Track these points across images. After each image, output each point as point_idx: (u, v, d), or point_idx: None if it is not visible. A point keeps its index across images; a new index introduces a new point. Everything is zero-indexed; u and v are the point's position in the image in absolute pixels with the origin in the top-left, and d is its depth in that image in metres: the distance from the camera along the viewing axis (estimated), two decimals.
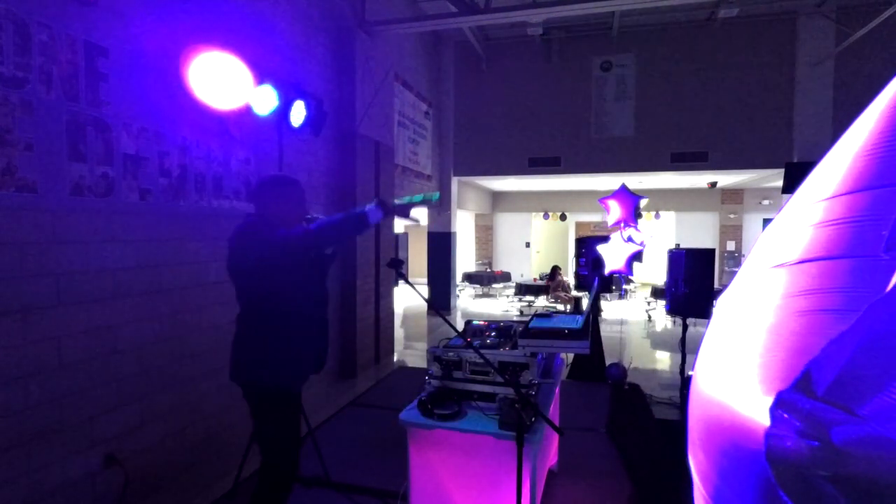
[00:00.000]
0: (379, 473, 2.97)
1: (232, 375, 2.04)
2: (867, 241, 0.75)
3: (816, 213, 0.86)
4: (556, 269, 9.92)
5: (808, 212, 0.89)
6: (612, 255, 5.52)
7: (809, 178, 0.95)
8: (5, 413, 2.06)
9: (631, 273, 5.62)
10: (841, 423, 0.67)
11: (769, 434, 0.75)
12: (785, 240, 0.92)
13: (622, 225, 5.89)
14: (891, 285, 0.68)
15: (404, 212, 2.07)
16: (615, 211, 6.00)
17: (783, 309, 0.83)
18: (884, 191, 0.77)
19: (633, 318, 9.06)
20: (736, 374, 0.86)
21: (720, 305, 1.05)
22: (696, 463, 0.98)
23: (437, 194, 2.23)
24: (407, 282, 2.03)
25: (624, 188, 6.11)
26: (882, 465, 0.62)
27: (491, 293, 12.47)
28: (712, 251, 4.30)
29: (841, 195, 0.83)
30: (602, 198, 6.13)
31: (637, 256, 5.63)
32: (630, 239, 5.61)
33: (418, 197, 2.10)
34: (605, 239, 5.74)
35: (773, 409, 0.75)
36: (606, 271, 5.60)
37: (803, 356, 0.74)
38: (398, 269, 2.02)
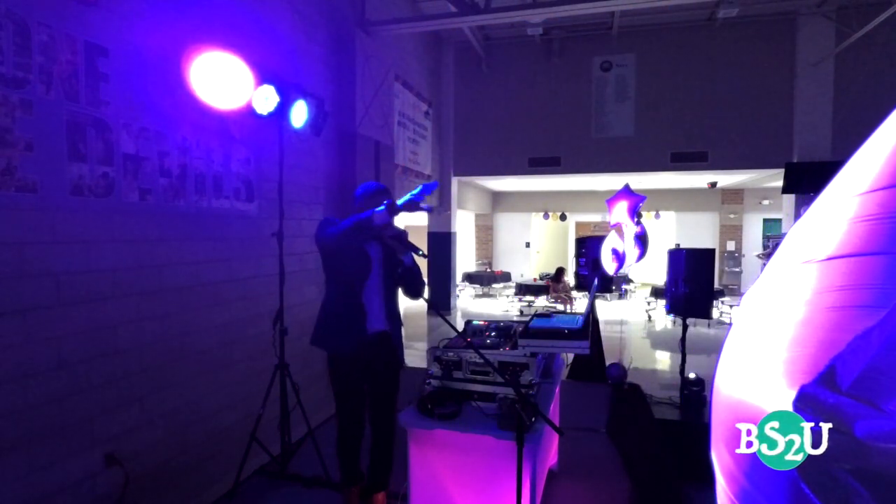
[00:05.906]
0: None
1: None
2: None
3: (850, 208, 0.84)
4: (561, 271, 9.87)
5: (842, 207, 0.86)
6: (604, 255, 5.56)
7: (842, 171, 0.92)
8: (5, 413, 2.06)
9: (616, 272, 5.64)
10: (865, 417, 0.66)
11: None
12: (816, 236, 0.89)
13: (624, 225, 5.90)
14: None
15: (411, 208, 2.12)
16: (619, 211, 6.01)
17: (813, 304, 0.81)
18: None
19: (633, 319, 9.06)
20: (761, 369, 0.85)
21: (745, 303, 1.03)
22: (720, 462, 0.96)
23: (434, 183, 2.23)
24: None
25: (627, 188, 6.11)
26: None
27: (491, 293, 12.47)
28: (712, 251, 4.30)
29: (876, 190, 0.81)
30: (609, 198, 6.12)
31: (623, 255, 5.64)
32: (620, 236, 5.63)
33: (416, 189, 2.11)
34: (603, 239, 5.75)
35: (796, 403, 0.74)
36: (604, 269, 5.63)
37: (830, 351, 0.73)
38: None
